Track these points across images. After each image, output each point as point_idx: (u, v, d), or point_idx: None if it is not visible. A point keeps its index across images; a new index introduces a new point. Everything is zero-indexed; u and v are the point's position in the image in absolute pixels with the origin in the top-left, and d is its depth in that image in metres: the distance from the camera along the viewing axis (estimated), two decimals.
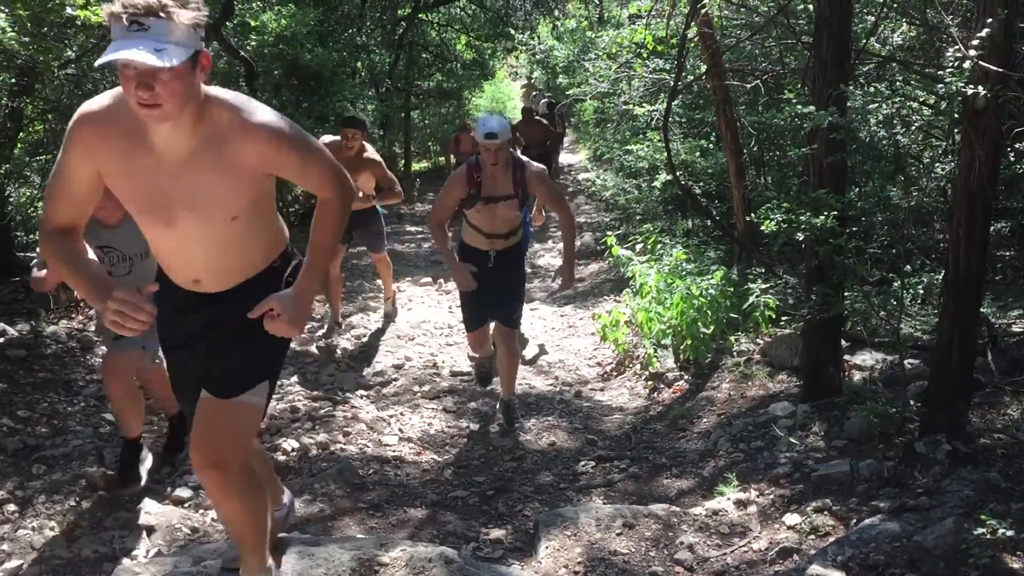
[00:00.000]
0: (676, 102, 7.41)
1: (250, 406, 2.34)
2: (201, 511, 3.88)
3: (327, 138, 5.99)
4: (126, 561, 3.28)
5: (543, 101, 15.77)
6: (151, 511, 3.72)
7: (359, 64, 13.16)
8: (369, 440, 4.81)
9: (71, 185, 2.14)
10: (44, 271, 3.46)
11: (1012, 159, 3.78)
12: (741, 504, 3.72)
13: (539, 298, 8.41)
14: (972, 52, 3.25)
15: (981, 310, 3.91)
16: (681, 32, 6.14)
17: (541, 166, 4.77)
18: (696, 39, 6.39)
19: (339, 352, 6.32)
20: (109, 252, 3.77)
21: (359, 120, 6.25)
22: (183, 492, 4.02)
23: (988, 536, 2.76)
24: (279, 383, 5.70)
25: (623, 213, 10.50)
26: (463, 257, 4.78)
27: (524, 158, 4.71)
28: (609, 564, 3.27)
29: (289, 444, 4.63)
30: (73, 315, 6.00)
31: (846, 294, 4.47)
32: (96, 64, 1.93)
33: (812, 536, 3.32)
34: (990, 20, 3.20)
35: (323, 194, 2.32)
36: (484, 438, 4.97)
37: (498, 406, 5.26)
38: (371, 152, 6.18)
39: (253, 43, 9.80)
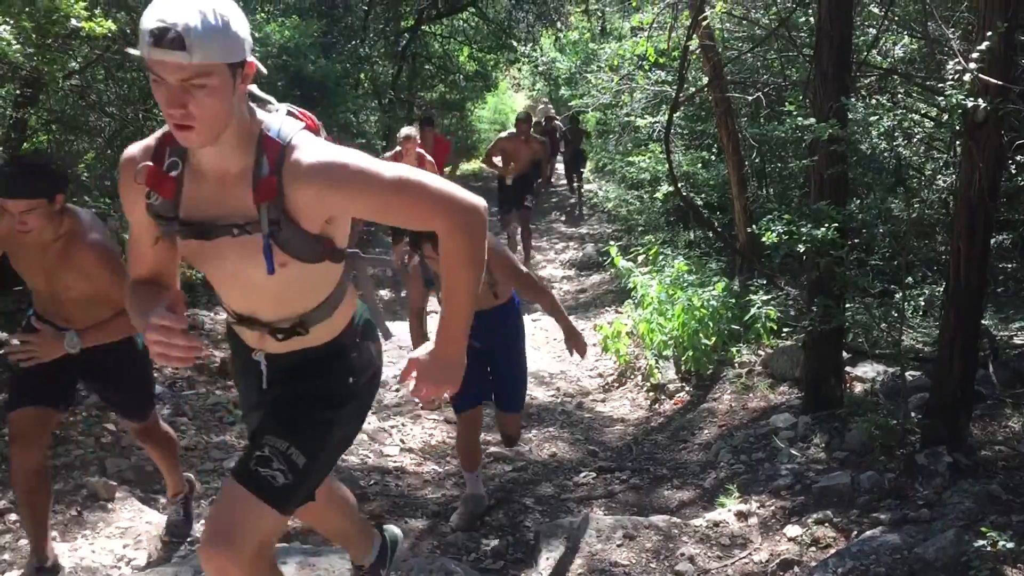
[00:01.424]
0: (678, 114, 7.44)
1: None
2: (201, 522, 3.88)
3: None
4: (127, 570, 3.30)
5: (544, 113, 15.55)
6: (151, 521, 3.72)
7: (362, 75, 13.23)
8: (370, 451, 4.81)
9: None
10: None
11: (1013, 171, 3.79)
12: (742, 516, 3.72)
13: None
14: (972, 65, 3.26)
15: (982, 322, 3.91)
16: (683, 44, 6.17)
17: (332, 156, 1.78)
18: (698, 51, 6.42)
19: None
20: None
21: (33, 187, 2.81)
22: None
23: (989, 548, 2.75)
24: None
25: (625, 224, 10.52)
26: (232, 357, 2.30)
27: (297, 127, 1.87)
28: (609, 575, 3.26)
29: None
30: None
31: (847, 306, 4.48)
32: None
33: (813, 548, 3.32)
34: (990, 33, 3.22)
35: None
36: (484, 449, 4.97)
37: None
38: (90, 231, 3.01)
39: (257, 54, 9.81)
